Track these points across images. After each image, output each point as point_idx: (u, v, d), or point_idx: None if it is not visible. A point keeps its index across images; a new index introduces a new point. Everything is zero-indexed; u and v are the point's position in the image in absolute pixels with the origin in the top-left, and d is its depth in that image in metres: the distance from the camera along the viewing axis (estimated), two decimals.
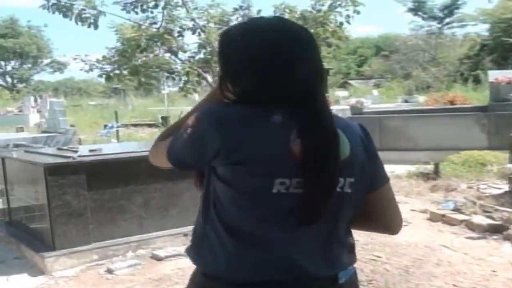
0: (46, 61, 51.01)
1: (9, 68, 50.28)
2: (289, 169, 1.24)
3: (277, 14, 10.69)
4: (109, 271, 4.41)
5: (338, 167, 1.27)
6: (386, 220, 1.47)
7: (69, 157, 4.73)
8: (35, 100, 26.46)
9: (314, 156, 1.24)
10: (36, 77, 52.39)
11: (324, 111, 1.29)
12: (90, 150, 5.17)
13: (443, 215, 5.88)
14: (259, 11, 10.82)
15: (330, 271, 1.32)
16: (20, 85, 49.59)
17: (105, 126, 16.38)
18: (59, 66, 51.26)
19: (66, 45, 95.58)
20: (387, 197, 1.45)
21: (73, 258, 4.54)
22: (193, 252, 1.36)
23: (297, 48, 1.30)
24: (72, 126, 12.47)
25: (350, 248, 1.39)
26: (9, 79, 50.60)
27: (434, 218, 5.93)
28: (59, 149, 5.66)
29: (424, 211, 6.26)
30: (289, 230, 1.26)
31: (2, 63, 49.59)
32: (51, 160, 4.76)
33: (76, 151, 5.01)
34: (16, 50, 47.21)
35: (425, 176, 8.28)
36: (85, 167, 4.61)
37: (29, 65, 50.36)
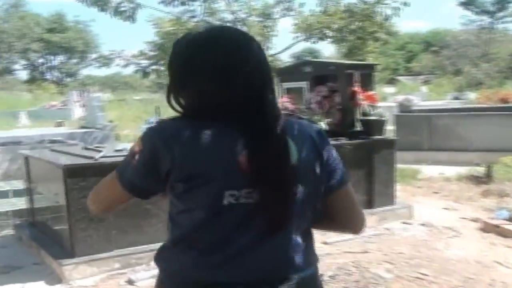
0: (93, 55, 51.88)
1: (56, 62, 51.29)
2: (237, 181, 1.28)
3: (320, 7, 10.41)
4: (130, 281, 4.10)
5: (289, 175, 1.30)
6: (345, 221, 1.49)
7: (91, 157, 4.44)
8: (80, 95, 26.75)
9: (261, 166, 1.27)
10: (85, 72, 53.31)
11: (268, 120, 1.31)
12: (116, 150, 4.86)
13: (497, 226, 5.35)
14: (301, 4, 10.37)
15: (284, 273, 1.35)
16: (67, 79, 50.54)
17: (147, 121, 16.22)
18: (105, 61, 51.94)
19: (114, 40, 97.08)
20: (346, 198, 1.46)
21: (93, 266, 4.25)
22: (160, 258, 1.41)
23: (230, 56, 1.31)
24: (110, 121, 12.31)
25: (308, 251, 1.41)
26: (56, 74, 51.63)
27: (487, 228, 5.41)
28: (85, 148, 5.39)
29: (475, 220, 5.75)
30: (245, 238, 1.31)
31: (50, 57, 50.62)
32: (71, 160, 4.48)
33: (99, 151, 4.71)
34: (63, 45, 48.07)
35: (476, 180, 7.73)
36: (107, 168, 4.28)
37: (77, 60, 51.21)
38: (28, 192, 5.30)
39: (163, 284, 1.40)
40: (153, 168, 1.31)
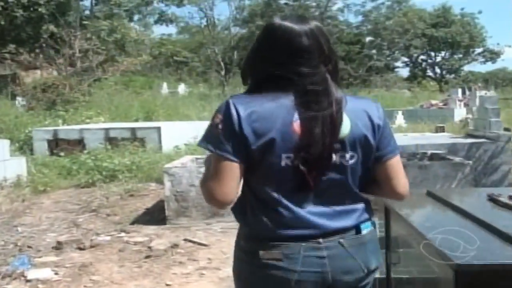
0: (478, 50, 47.89)
1: (438, 58, 49.11)
2: (293, 145, 1.56)
3: None
4: None
5: (332, 144, 1.58)
6: (391, 187, 1.71)
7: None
8: (463, 93, 23.83)
9: (308, 134, 1.56)
10: (466, 68, 49.79)
11: (318, 97, 1.60)
12: None
13: None
14: None
15: (351, 223, 1.66)
16: (448, 76, 47.90)
17: None
18: (491, 56, 47.53)
19: (501, 33, 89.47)
20: (393, 168, 1.70)
21: None
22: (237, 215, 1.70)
23: (303, 43, 1.63)
24: (507, 129, 9.21)
25: (366, 207, 1.70)
26: (438, 70, 49.50)
27: None
28: (491, 198, 2.70)
29: None
30: (306, 195, 1.61)
31: (432, 54, 48.74)
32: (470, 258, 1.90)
33: None
34: (447, 40, 45.50)
35: None
36: None
37: (460, 55, 48.06)
38: (385, 257, 2.96)
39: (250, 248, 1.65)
40: (237, 134, 1.56)
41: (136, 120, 15.28)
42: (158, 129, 11.13)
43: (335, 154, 1.60)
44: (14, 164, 8.68)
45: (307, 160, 1.56)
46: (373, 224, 1.75)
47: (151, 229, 5.63)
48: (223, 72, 35.38)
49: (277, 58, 1.64)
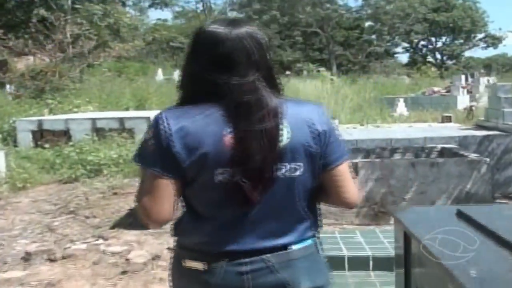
0: (479, 35, 47.17)
1: (439, 44, 48.40)
2: (226, 160, 1.49)
3: None
4: None
5: (271, 157, 1.50)
6: (339, 196, 1.65)
7: None
8: (466, 79, 23.22)
9: (242, 148, 1.48)
10: (467, 54, 49.10)
11: (250, 107, 1.50)
12: None
13: None
14: None
15: (281, 241, 1.58)
16: (449, 62, 47.23)
17: None
18: (493, 41, 46.84)
19: (503, 18, 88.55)
20: (341, 175, 1.62)
21: None
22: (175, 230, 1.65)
23: (225, 49, 1.53)
24: None
25: (308, 222, 1.63)
26: (438, 56, 48.80)
27: None
28: None
29: None
30: (239, 211, 1.54)
31: (433, 39, 48.01)
32: None
33: None
34: (448, 25, 44.75)
35: None
36: None
37: (461, 41, 47.35)
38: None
39: (179, 255, 1.64)
40: (167, 151, 1.49)
41: (127, 109, 14.67)
42: (148, 119, 10.51)
43: (276, 167, 1.54)
44: None
45: (247, 175, 1.51)
46: (313, 240, 1.67)
47: (132, 235, 5.06)
48: None
49: (202, 66, 1.55)
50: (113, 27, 24.21)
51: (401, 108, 17.75)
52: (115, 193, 6.77)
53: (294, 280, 1.59)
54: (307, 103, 1.67)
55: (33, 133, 10.66)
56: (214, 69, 1.52)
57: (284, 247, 1.59)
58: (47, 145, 10.09)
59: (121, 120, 10.53)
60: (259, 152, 1.49)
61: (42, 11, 20.37)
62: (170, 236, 1.72)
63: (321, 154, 1.58)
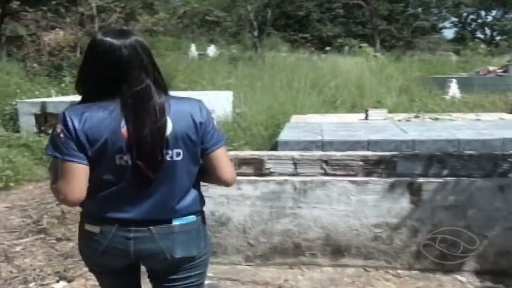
0: None
1: (489, 18, 45.43)
2: (123, 147, 1.85)
3: None
4: None
5: (158, 145, 1.87)
6: (217, 175, 2.02)
7: None
8: None
9: (136, 135, 1.84)
10: None
11: (144, 104, 1.86)
12: None
13: None
14: None
15: (166, 216, 1.96)
16: (499, 38, 44.30)
17: None
18: None
19: None
20: (217, 158, 2.00)
21: None
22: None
23: (122, 55, 1.87)
24: None
25: (192, 201, 2.00)
26: (487, 31, 45.87)
27: None
28: None
29: None
30: (134, 189, 1.90)
31: (482, 13, 45.05)
32: None
33: None
34: None
35: None
36: None
37: None
38: None
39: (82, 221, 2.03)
40: (75, 142, 1.85)
41: None
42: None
43: (165, 152, 1.89)
44: None
45: (142, 157, 1.86)
46: (196, 216, 2.04)
47: None
48: (256, 33, 33.02)
49: (100, 70, 1.89)
50: None
51: (453, 89, 15.91)
52: None
53: (170, 249, 1.97)
54: (189, 99, 2.01)
55: (37, 116, 9.45)
56: (113, 72, 1.88)
57: (169, 221, 1.97)
58: (51, 131, 8.88)
59: None
60: (150, 140, 1.85)
61: None
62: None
63: (201, 141, 1.97)
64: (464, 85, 16.77)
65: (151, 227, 1.93)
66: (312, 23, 39.92)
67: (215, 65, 19.71)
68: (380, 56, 22.76)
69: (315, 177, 4.00)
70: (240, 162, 4.67)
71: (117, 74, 1.86)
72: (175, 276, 2.03)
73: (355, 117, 7.94)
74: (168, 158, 1.88)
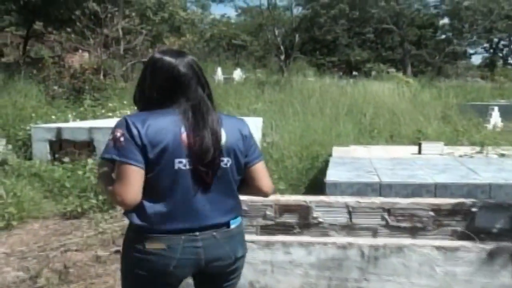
0: None
1: None
2: (183, 153, 1.99)
3: None
4: None
5: (216, 152, 2.03)
6: (257, 187, 2.20)
7: None
8: None
9: (198, 144, 2.00)
10: None
11: (203, 115, 2.04)
12: None
13: None
14: None
15: (224, 219, 2.09)
16: None
17: None
18: None
19: None
20: (258, 171, 2.18)
21: None
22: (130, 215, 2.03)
23: (181, 71, 2.07)
24: None
25: (237, 205, 2.17)
26: None
27: None
28: None
29: None
30: (193, 193, 2.01)
31: None
32: None
33: None
34: None
35: None
36: None
37: None
38: None
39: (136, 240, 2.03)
40: (137, 145, 1.96)
41: None
42: None
43: (220, 159, 2.05)
44: None
45: (201, 163, 2.00)
46: (241, 218, 2.21)
47: None
48: (282, 57, 32.37)
49: (160, 84, 2.08)
50: (168, 22, 22.32)
51: (495, 118, 14.88)
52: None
53: (234, 251, 2.12)
54: (235, 117, 2.27)
55: (51, 143, 8.72)
56: (172, 86, 2.07)
57: (227, 224, 2.10)
58: (66, 159, 8.13)
59: None
60: (212, 147, 2.01)
61: (93, 5, 18.68)
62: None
63: (246, 154, 2.15)
64: (505, 112, 15.72)
65: (214, 233, 2.06)
66: (339, 47, 39.19)
67: (241, 89, 18.96)
68: (413, 82, 21.84)
69: (388, 240, 3.09)
70: (282, 209, 3.82)
71: (176, 87, 2.06)
72: (233, 275, 2.17)
73: (406, 150, 7.01)
74: (223, 165, 2.05)
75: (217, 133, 2.02)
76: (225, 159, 2.05)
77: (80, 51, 18.18)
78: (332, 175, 4.57)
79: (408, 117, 13.74)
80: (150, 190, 1.96)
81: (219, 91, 17.37)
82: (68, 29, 16.35)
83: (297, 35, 33.49)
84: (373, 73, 27.84)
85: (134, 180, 1.93)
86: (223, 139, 2.04)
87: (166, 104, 2.03)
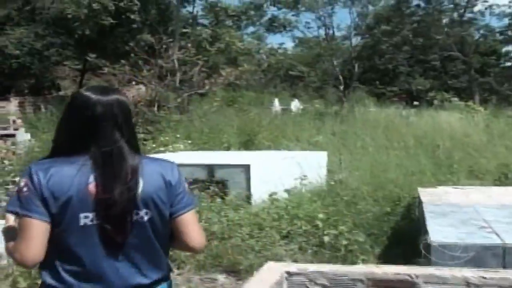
0: None
1: None
2: (89, 205, 1.75)
3: None
4: None
5: (129, 205, 1.78)
6: (184, 241, 1.91)
7: None
8: None
9: (106, 195, 1.75)
10: None
11: (114, 163, 1.79)
12: None
13: None
14: None
15: (144, 281, 1.83)
16: None
17: None
18: None
19: None
20: (185, 223, 1.90)
21: None
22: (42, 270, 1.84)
23: (96, 112, 1.82)
24: None
25: (163, 265, 1.90)
26: None
27: None
28: None
29: None
30: (103, 253, 1.77)
31: None
32: None
33: None
34: None
35: None
36: None
37: None
38: None
39: None
40: (38, 197, 1.74)
41: (228, 148, 11.78)
42: (247, 168, 7.43)
43: (134, 212, 1.80)
44: None
45: (110, 219, 1.76)
46: (169, 284, 1.95)
47: None
48: (341, 87, 31.35)
49: (73, 125, 1.85)
50: (224, 53, 21.80)
51: None
52: None
53: None
54: (162, 161, 1.97)
55: None
56: (84, 128, 1.82)
57: (153, 286, 1.85)
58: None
59: (209, 169, 7.54)
60: (121, 201, 1.76)
61: (147, 36, 18.35)
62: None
63: (170, 203, 1.88)
64: None
65: None
66: (400, 76, 37.82)
67: (299, 120, 18.02)
68: (483, 111, 20.35)
69: None
70: (377, 286, 2.80)
71: (87, 130, 1.83)
72: None
73: (509, 192, 5.82)
74: (138, 219, 1.82)
75: (129, 184, 1.80)
76: (141, 212, 1.82)
77: (134, 83, 17.88)
78: (436, 233, 3.50)
79: (486, 150, 12.41)
80: (60, 247, 1.78)
81: (277, 123, 16.55)
82: (123, 61, 16.04)
83: (356, 65, 32.46)
84: (435, 102, 26.45)
85: (36, 235, 1.76)
86: (139, 188, 1.82)
87: (77, 149, 1.82)
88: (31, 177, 1.75)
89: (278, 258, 4.89)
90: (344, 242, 5.21)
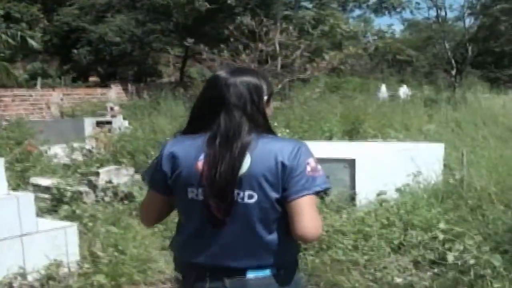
0: None
1: None
2: (195, 181, 1.84)
3: None
4: None
5: (232, 182, 1.79)
6: (293, 228, 1.80)
7: None
8: None
9: (209, 172, 1.80)
10: None
11: (228, 141, 1.82)
12: None
13: None
14: None
15: (238, 265, 1.81)
16: None
17: None
18: None
19: None
20: (297, 208, 1.79)
21: None
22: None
23: (222, 92, 1.87)
24: None
25: (263, 251, 1.82)
26: None
27: None
28: None
29: None
30: (205, 227, 1.83)
31: None
32: None
33: None
34: None
35: None
36: None
37: None
38: None
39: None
40: (159, 169, 1.92)
41: (330, 138, 10.85)
42: (351, 163, 6.48)
43: (237, 192, 1.79)
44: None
45: (212, 196, 1.79)
46: (272, 270, 1.82)
47: None
48: (453, 72, 29.17)
49: (202, 103, 1.94)
50: (328, 35, 20.74)
51: None
52: None
53: None
54: (285, 140, 1.96)
55: None
56: (211, 107, 1.88)
57: (243, 271, 1.81)
58: None
59: None
60: (223, 177, 1.78)
61: (247, 19, 17.74)
62: None
63: (283, 187, 1.80)
64: None
65: (225, 279, 1.82)
66: None
67: (408, 108, 16.63)
68: None
69: None
70: None
71: (213, 109, 1.87)
72: None
73: None
74: (239, 200, 1.80)
75: (235, 161, 1.79)
76: (245, 193, 1.80)
77: None
78: None
79: None
80: (179, 216, 1.96)
81: (384, 110, 15.35)
82: (222, 46, 15.56)
83: (469, 48, 30.07)
84: None
85: (150, 205, 1.96)
86: (244, 167, 1.79)
87: (204, 126, 1.89)
88: (162, 150, 1.94)
89: (386, 281, 3.96)
90: (471, 262, 4.17)
